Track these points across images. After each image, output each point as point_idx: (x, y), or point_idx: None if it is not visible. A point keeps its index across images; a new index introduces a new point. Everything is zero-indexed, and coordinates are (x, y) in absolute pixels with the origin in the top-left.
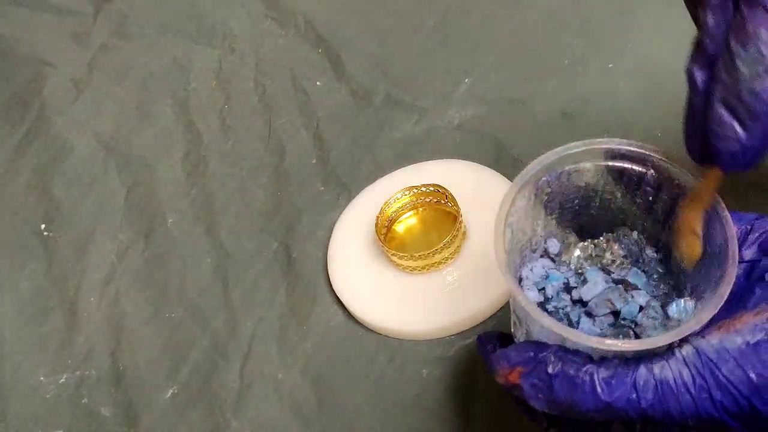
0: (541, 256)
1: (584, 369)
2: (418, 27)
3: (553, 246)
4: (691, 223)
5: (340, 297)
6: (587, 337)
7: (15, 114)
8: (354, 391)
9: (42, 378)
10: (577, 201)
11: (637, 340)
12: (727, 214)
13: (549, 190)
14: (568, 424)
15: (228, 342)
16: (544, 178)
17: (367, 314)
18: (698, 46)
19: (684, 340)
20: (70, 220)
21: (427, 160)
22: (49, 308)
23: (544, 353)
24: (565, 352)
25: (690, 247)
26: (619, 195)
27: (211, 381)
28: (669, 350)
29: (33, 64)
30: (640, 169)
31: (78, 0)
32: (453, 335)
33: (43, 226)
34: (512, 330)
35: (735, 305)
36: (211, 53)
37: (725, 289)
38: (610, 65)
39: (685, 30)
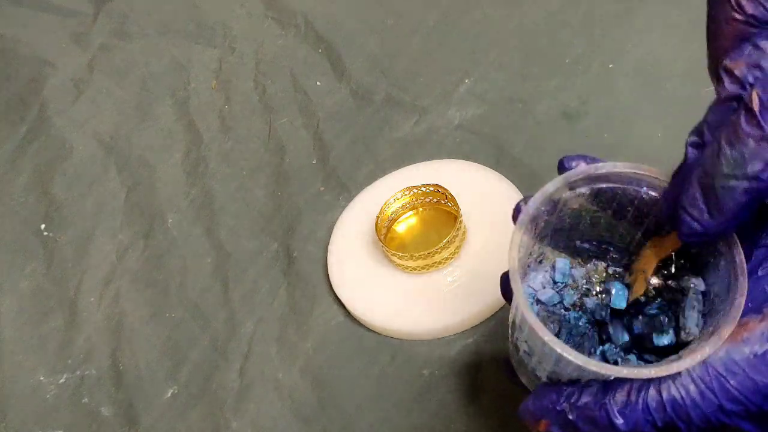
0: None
1: (599, 406)
2: (418, 27)
3: (562, 265)
4: (645, 265)
5: (340, 297)
6: (609, 367)
7: (15, 114)
8: (354, 391)
9: (42, 378)
10: (568, 221)
11: (660, 366)
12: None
13: (546, 218)
14: None
15: (228, 342)
16: (543, 208)
17: (367, 314)
18: (701, 126)
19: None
20: (70, 220)
21: (427, 160)
22: (49, 308)
23: (560, 404)
24: (578, 395)
25: (637, 284)
26: (610, 213)
27: (211, 381)
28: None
29: (33, 64)
30: (635, 188)
31: (78, 0)
32: (453, 335)
33: (43, 226)
34: (510, 350)
35: (752, 287)
36: (211, 53)
37: (739, 309)
38: (610, 65)
39: (685, 31)
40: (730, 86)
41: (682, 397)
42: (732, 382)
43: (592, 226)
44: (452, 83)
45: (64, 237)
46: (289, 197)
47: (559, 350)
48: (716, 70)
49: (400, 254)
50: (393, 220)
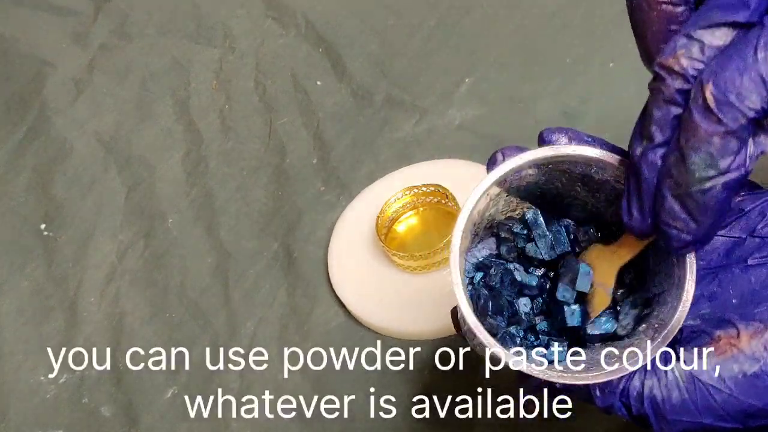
0: (492, 236)
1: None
2: (418, 27)
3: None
4: (603, 278)
5: (340, 297)
6: (542, 371)
7: (15, 114)
8: (354, 391)
9: (42, 378)
10: (539, 192)
11: (594, 373)
12: (693, 259)
13: (507, 185)
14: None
15: (228, 342)
16: (502, 181)
17: (368, 314)
18: (644, 130)
19: (677, 357)
20: (70, 220)
21: (427, 160)
22: (49, 308)
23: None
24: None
25: (598, 298)
26: (579, 190)
27: (211, 381)
28: (659, 365)
29: (33, 64)
30: (610, 172)
31: (78, 0)
32: (453, 335)
33: (43, 226)
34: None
35: (709, 280)
36: (211, 53)
37: (675, 327)
38: (610, 65)
39: None
40: (673, 83)
41: (663, 400)
42: (717, 398)
43: (561, 196)
44: (452, 83)
45: (64, 237)
46: (289, 197)
47: (475, 329)
48: (650, 59)
49: (401, 254)
50: (393, 220)
